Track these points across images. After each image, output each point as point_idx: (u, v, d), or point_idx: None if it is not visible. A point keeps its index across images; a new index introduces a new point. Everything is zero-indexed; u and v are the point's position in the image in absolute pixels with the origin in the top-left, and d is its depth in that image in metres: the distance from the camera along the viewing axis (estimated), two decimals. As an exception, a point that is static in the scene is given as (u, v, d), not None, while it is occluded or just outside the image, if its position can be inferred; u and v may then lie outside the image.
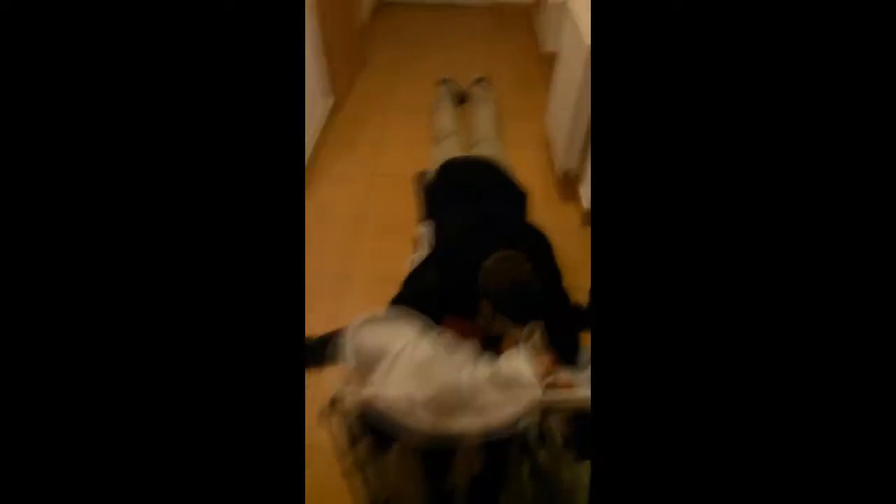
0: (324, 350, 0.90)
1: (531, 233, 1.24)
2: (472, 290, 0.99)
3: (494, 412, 0.76)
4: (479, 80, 2.49)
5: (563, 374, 0.85)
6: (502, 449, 0.85)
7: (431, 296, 1.05)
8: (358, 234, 1.95)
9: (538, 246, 1.19)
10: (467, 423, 0.76)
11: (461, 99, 2.45)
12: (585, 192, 1.97)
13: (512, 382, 0.79)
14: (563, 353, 0.93)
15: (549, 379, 0.80)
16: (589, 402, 0.83)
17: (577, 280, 1.14)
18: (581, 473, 0.88)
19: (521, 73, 2.90)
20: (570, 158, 2.01)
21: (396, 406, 0.75)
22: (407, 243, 1.19)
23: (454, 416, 0.76)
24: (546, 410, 0.78)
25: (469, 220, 1.25)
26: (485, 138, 1.92)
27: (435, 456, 0.88)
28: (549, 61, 2.52)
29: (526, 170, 1.84)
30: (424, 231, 1.37)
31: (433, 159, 1.69)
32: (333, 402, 0.78)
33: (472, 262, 0.99)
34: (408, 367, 0.80)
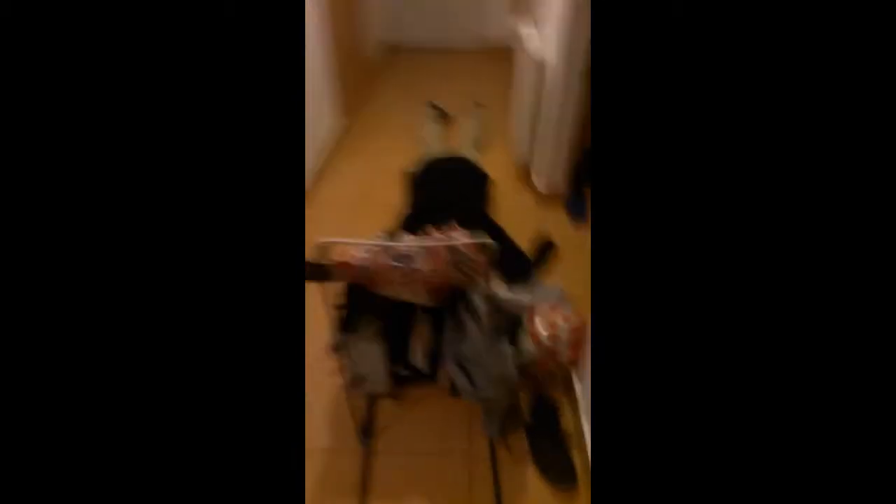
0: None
1: (480, 211, 1.74)
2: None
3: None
4: (475, 105, 3.08)
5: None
6: (442, 322, 1.36)
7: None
8: (359, 212, 2.55)
9: (481, 217, 1.66)
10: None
11: (444, 116, 3.06)
12: (536, 178, 2.53)
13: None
14: (515, 277, 1.40)
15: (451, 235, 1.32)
16: (512, 302, 1.33)
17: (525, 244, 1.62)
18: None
19: (503, 97, 3.52)
20: (522, 152, 2.57)
21: (363, 256, 1.25)
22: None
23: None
24: (466, 273, 1.25)
25: (429, 201, 1.76)
26: (466, 143, 2.50)
27: (394, 336, 1.39)
28: (517, 85, 3.10)
29: (496, 165, 2.48)
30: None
31: (419, 159, 2.27)
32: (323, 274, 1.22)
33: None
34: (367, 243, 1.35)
